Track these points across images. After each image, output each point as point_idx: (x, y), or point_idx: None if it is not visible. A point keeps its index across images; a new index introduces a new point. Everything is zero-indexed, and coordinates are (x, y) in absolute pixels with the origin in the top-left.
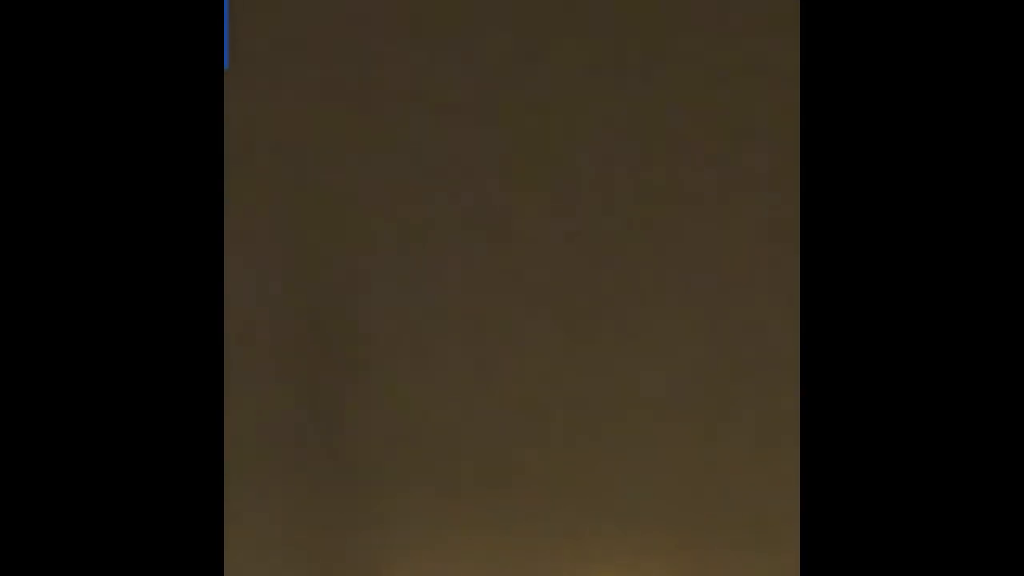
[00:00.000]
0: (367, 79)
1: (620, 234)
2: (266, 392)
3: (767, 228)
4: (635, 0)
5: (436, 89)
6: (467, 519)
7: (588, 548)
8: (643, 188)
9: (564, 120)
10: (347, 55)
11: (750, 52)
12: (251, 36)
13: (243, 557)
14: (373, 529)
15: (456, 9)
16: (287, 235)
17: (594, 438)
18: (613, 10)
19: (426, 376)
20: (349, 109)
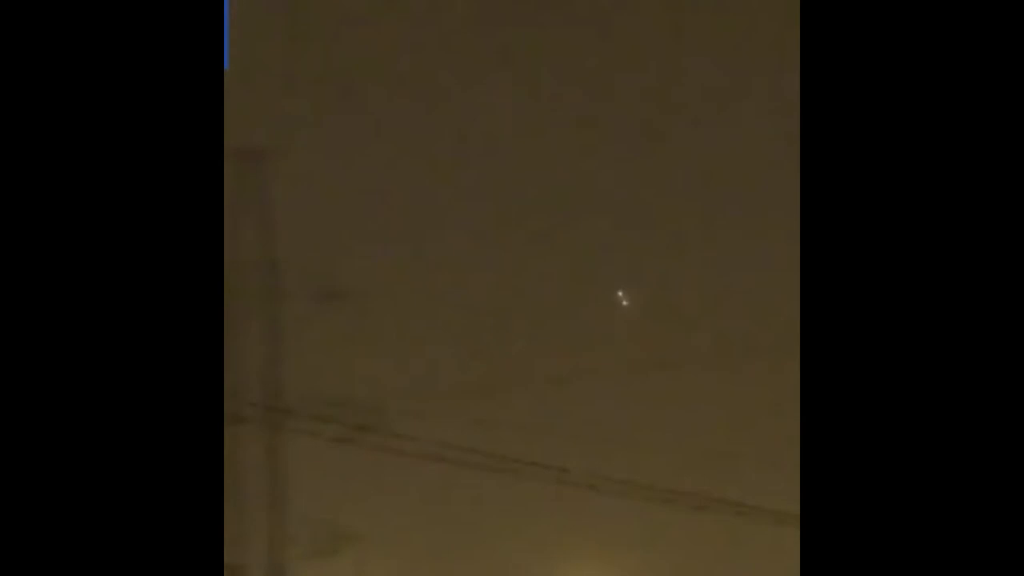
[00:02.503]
0: (366, 79)
1: (608, 229)
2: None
3: (768, 223)
4: (637, 3)
5: (434, 88)
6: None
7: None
8: (638, 187)
9: (562, 118)
10: (346, 55)
11: (751, 52)
12: (251, 36)
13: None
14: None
15: (456, 10)
16: (286, 230)
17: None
18: (616, 14)
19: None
20: (348, 108)
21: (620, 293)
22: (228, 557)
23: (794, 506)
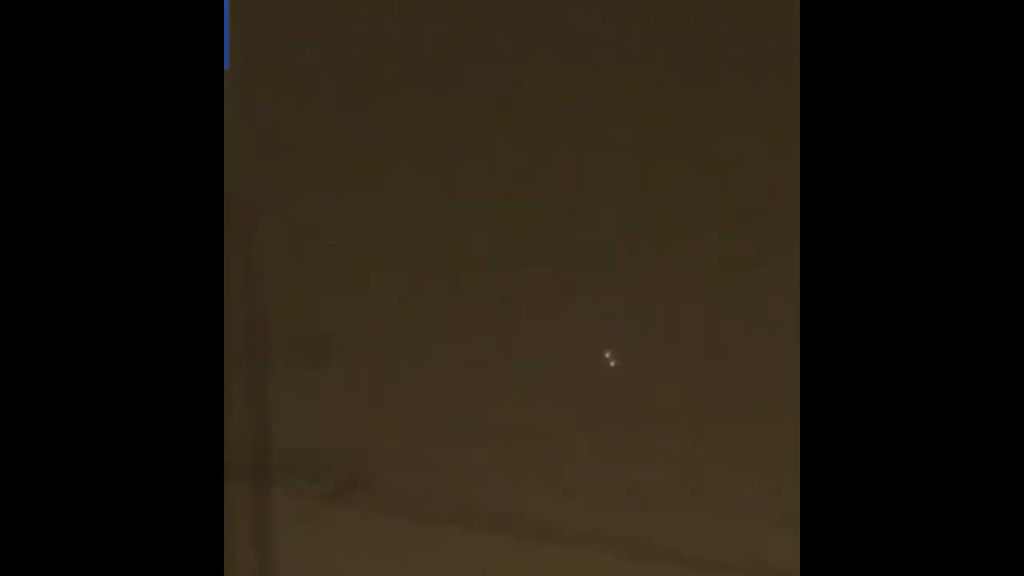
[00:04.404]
0: (366, 79)
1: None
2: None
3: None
4: (638, 3)
5: (434, 89)
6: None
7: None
8: (632, 197)
9: (560, 123)
10: (346, 55)
11: (750, 55)
12: (251, 36)
13: None
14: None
15: (456, 10)
16: (285, 230)
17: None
18: (617, 17)
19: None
20: (348, 109)
21: (607, 354)
22: None
23: (790, 566)
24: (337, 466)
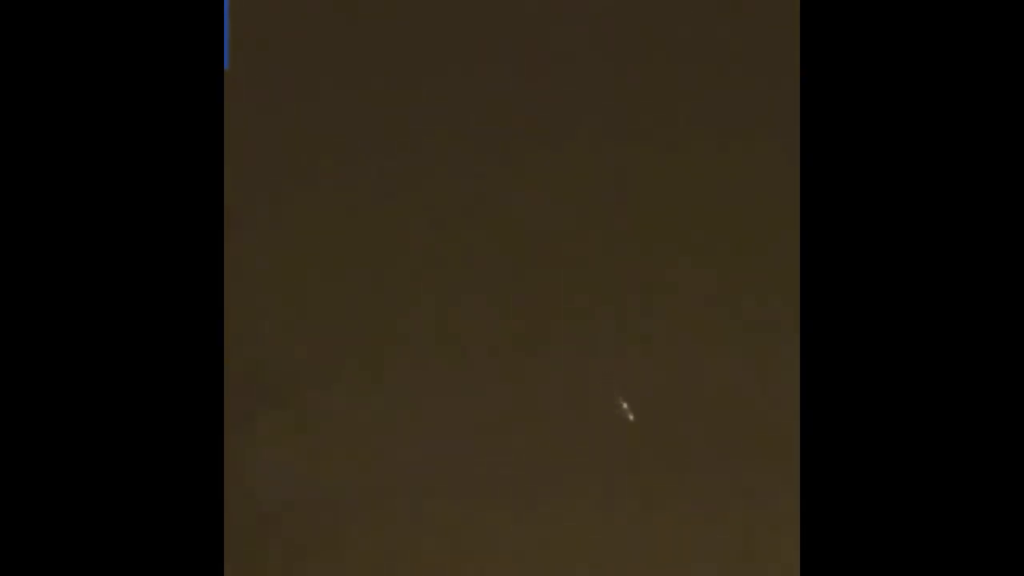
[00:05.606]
0: (365, 80)
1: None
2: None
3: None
4: (638, 2)
5: (434, 90)
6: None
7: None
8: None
9: (559, 128)
10: (346, 56)
11: (750, 53)
12: (251, 36)
13: None
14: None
15: (455, 10)
16: (284, 231)
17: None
18: (618, 19)
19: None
20: (347, 109)
21: (624, 405)
22: None
23: None
24: (312, 517)
